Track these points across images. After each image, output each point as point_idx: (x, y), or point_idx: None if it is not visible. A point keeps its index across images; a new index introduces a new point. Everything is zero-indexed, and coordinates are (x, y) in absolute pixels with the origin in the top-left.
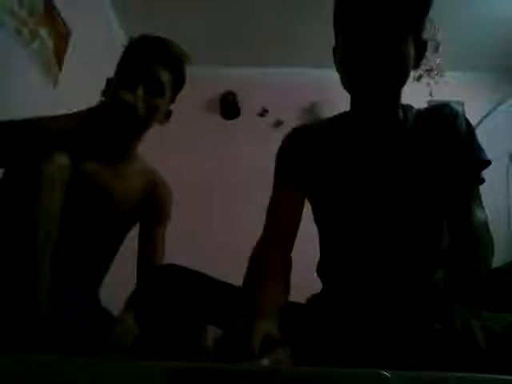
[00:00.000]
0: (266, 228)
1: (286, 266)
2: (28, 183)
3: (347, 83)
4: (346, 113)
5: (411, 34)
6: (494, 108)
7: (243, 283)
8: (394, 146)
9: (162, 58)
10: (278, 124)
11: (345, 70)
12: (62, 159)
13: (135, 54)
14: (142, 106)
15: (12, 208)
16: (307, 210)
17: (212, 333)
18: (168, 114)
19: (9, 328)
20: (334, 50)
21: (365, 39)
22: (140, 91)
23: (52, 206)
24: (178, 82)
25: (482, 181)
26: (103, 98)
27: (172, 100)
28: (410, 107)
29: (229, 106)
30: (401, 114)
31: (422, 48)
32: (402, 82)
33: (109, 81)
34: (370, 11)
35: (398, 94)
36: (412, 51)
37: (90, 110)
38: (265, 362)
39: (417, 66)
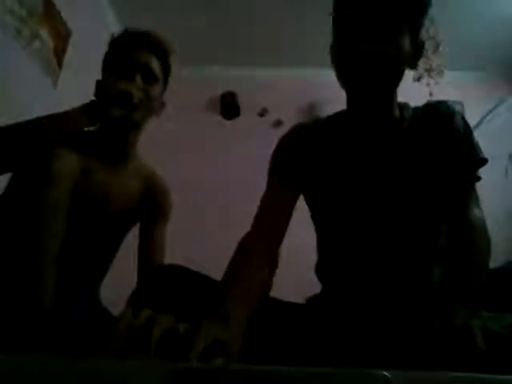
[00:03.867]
0: (255, 222)
1: (271, 261)
2: (37, 180)
3: (341, 76)
4: (342, 112)
5: (408, 32)
6: (494, 108)
7: (224, 273)
8: (390, 144)
9: (153, 49)
10: (278, 124)
11: (338, 63)
12: (71, 157)
13: (125, 46)
14: (141, 96)
15: (21, 204)
16: (307, 210)
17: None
18: (162, 106)
19: (11, 325)
20: (331, 48)
21: (358, 30)
22: (138, 81)
23: (60, 203)
24: (166, 73)
25: (479, 179)
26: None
27: (162, 91)
28: (406, 105)
29: (229, 106)
30: (397, 112)
31: (419, 48)
32: (395, 77)
33: (99, 83)
34: (365, 4)
35: (393, 92)
36: (408, 47)
37: (85, 105)
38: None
39: (414, 65)
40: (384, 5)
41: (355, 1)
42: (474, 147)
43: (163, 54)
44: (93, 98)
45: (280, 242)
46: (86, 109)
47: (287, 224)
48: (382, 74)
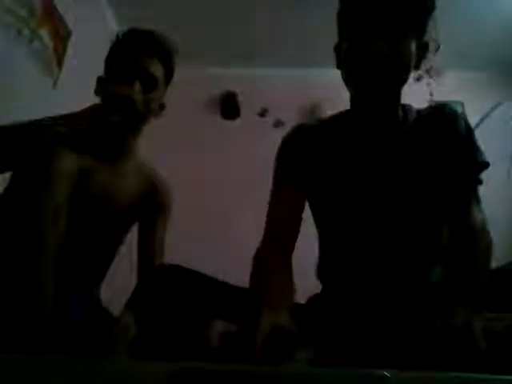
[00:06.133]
0: (267, 229)
1: (289, 267)
2: (37, 181)
3: (350, 77)
4: (345, 112)
5: (414, 34)
6: (494, 108)
7: (249, 285)
8: (393, 146)
9: (154, 53)
10: (278, 124)
11: (349, 63)
12: (70, 157)
13: (127, 49)
14: (140, 102)
15: (20, 205)
16: (307, 211)
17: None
18: (162, 107)
19: (11, 327)
20: (337, 48)
21: (371, 31)
22: (137, 87)
23: (60, 204)
24: (169, 74)
25: (481, 182)
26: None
27: (163, 93)
28: (409, 107)
29: (229, 106)
30: (400, 113)
31: (423, 49)
32: (404, 79)
33: (100, 79)
34: (377, 5)
35: (398, 93)
36: (414, 50)
37: (88, 109)
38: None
39: (417, 66)
40: (395, 7)
41: (368, 3)
42: (475, 151)
43: (166, 57)
44: (94, 96)
45: (294, 244)
46: (89, 112)
47: (299, 229)
48: (393, 75)
